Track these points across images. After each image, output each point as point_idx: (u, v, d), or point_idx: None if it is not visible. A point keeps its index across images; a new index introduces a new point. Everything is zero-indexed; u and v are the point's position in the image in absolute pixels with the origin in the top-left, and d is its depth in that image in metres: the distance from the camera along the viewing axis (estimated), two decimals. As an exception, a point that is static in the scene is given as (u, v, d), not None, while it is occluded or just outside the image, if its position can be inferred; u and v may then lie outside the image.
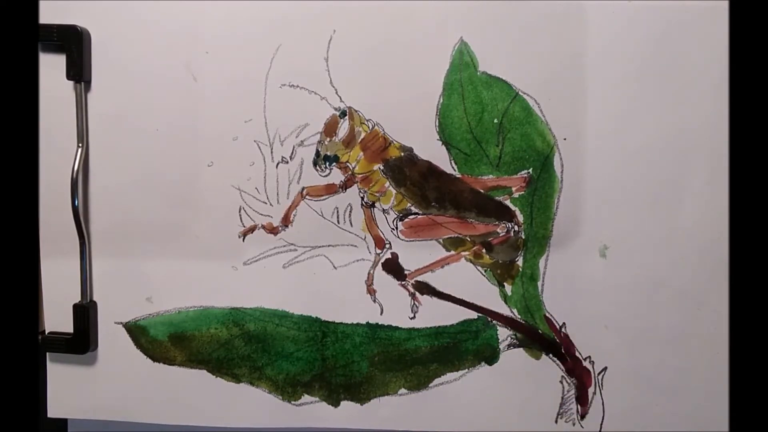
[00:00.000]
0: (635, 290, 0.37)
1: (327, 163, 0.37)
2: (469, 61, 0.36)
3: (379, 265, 0.38)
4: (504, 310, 0.38)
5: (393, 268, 0.38)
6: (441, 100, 0.36)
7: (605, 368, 0.37)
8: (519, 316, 0.38)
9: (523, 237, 0.37)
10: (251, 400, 0.39)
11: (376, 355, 0.38)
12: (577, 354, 0.37)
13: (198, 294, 0.38)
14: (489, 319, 0.38)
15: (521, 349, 0.38)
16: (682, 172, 0.36)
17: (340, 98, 0.36)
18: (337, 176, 0.37)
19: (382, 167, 0.37)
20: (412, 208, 0.37)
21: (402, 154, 0.37)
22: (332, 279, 0.38)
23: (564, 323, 0.37)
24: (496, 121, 0.36)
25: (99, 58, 0.37)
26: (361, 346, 0.38)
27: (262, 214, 0.37)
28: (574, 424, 0.38)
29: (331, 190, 0.37)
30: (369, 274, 0.38)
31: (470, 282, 0.37)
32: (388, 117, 0.36)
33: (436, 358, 0.38)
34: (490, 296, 0.37)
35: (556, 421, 0.38)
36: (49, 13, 0.36)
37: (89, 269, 0.38)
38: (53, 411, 0.39)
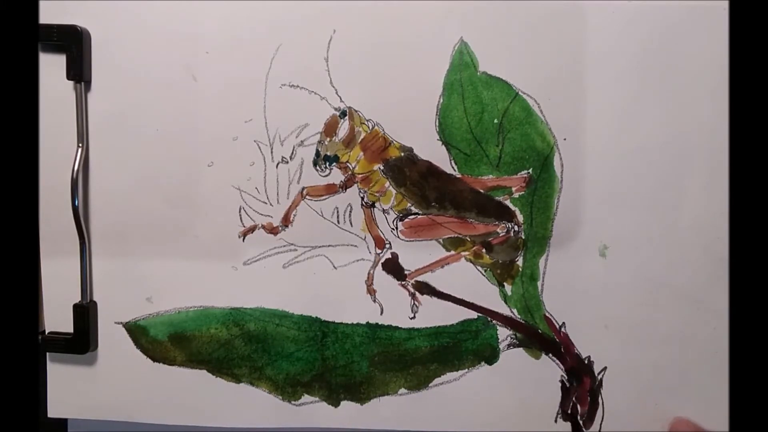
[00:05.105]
0: (635, 290, 0.37)
1: (327, 163, 0.37)
2: (469, 61, 0.36)
3: (379, 265, 0.38)
4: (504, 310, 0.38)
5: (393, 268, 0.38)
6: (441, 100, 0.36)
7: (605, 368, 0.37)
8: (519, 316, 0.38)
9: (523, 237, 0.37)
10: (251, 400, 0.39)
11: (376, 355, 0.38)
12: (577, 354, 0.37)
13: (198, 294, 0.38)
14: (489, 319, 0.38)
15: (521, 348, 0.38)
16: (682, 172, 0.36)
17: (340, 98, 0.36)
18: (337, 176, 0.37)
19: (382, 167, 0.37)
20: (412, 208, 0.37)
21: (402, 154, 0.37)
22: (332, 279, 0.38)
23: (564, 323, 0.37)
24: (496, 121, 0.36)
25: (99, 58, 0.37)
26: (361, 346, 0.38)
27: (262, 214, 0.37)
28: (574, 424, 0.38)
29: (331, 190, 0.37)
30: (369, 274, 0.38)
31: (470, 282, 0.37)
32: (388, 117, 0.36)
33: (436, 358, 0.38)
34: (490, 296, 0.37)
35: (556, 421, 0.38)
36: (49, 13, 0.36)
37: (89, 269, 0.38)
38: (53, 411, 0.39)
